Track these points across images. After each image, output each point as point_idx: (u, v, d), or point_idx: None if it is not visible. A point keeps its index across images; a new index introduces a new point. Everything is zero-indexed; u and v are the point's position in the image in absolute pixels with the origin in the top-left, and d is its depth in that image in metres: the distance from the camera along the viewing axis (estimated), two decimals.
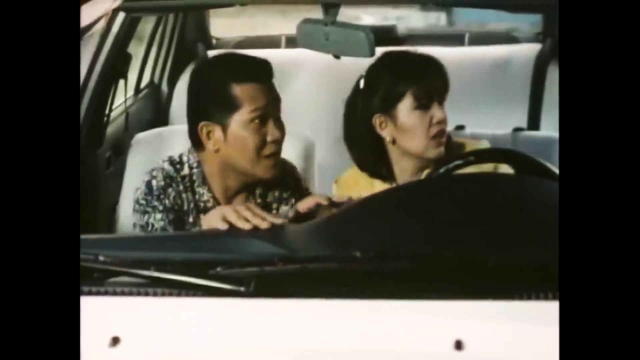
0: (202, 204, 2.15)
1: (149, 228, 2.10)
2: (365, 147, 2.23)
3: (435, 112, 2.14)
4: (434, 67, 2.20)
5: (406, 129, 2.15)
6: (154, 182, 2.14)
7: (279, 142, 2.12)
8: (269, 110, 2.10)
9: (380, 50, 2.27)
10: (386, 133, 2.19)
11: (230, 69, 2.14)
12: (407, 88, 2.15)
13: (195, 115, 2.14)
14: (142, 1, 2.32)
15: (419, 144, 2.16)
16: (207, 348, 1.38)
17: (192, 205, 2.15)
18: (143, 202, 2.13)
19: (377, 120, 2.19)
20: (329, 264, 1.52)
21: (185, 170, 2.17)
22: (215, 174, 2.16)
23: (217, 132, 2.11)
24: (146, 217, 2.11)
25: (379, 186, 2.19)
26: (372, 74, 2.22)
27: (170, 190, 2.14)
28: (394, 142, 2.18)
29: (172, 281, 1.49)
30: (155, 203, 2.12)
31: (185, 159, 2.18)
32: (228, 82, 2.09)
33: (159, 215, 2.11)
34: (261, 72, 2.13)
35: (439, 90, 2.17)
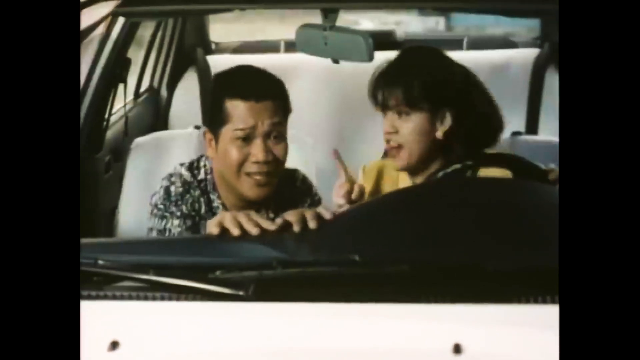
0: (214, 210, 2.16)
1: (167, 234, 2.12)
2: None
3: None
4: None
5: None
6: (172, 188, 2.15)
7: (261, 164, 2.08)
8: (257, 131, 2.08)
9: (378, 55, 2.28)
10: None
11: (231, 82, 2.15)
12: None
13: (204, 122, 2.21)
14: (142, 6, 2.33)
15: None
16: (207, 352, 1.38)
17: (207, 209, 2.16)
18: (162, 207, 2.14)
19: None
20: (327, 268, 1.52)
21: (202, 175, 2.19)
22: (219, 183, 2.18)
23: (213, 141, 2.14)
24: (164, 222, 2.13)
25: (403, 178, 2.18)
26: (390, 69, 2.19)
27: (187, 196, 2.15)
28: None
29: (171, 285, 1.49)
30: (173, 209, 2.13)
31: (202, 163, 2.21)
32: (223, 95, 2.11)
33: (176, 222, 2.12)
34: (259, 90, 2.10)
35: None
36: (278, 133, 2.11)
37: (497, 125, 2.15)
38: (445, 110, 2.07)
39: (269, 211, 2.17)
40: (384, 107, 2.10)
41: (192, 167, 2.20)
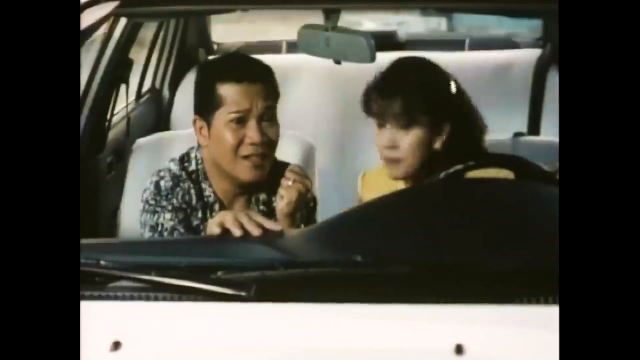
0: (205, 199, 2.19)
1: (159, 228, 2.14)
2: None
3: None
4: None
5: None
6: (162, 183, 2.18)
7: (257, 145, 2.11)
8: (251, 112, 2.11)
9: (381, 56, 2.28)
10: None
11: (222, 68, 2.19)
12: None
13: (194, 110, 2.20)
14: (144, 7, 2.33)
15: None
16: (208, 352, 1.38)
17: (198, 199, 2.18)
18: (152, 202, 2.16)
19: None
20: (330, 269, 1.52)
21: (193, 166, 2.21)
22: (211, 171, 2.20)
23: (205, 128, 2.16)
24: (156, 217, 2.15)
25: (402, 186, 2.18)
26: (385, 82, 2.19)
27: (178, 189, 2.18)
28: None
29: (173, 286, 1.50)
30: (164, 203, 2.16)
31: (192, 155, 2.23)
32: (214, 81, 2.13)
33: (168, 215, 2.14)
34: (250, 73, 2.14)
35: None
36: (271, 115, 2.15)
37: (483, 128, 2.18)
38: (443, 122, 2.08)
39: (258, 201, 2.21)
40: (380, 120, 2.08)
41: (182, 160, 2.23)
